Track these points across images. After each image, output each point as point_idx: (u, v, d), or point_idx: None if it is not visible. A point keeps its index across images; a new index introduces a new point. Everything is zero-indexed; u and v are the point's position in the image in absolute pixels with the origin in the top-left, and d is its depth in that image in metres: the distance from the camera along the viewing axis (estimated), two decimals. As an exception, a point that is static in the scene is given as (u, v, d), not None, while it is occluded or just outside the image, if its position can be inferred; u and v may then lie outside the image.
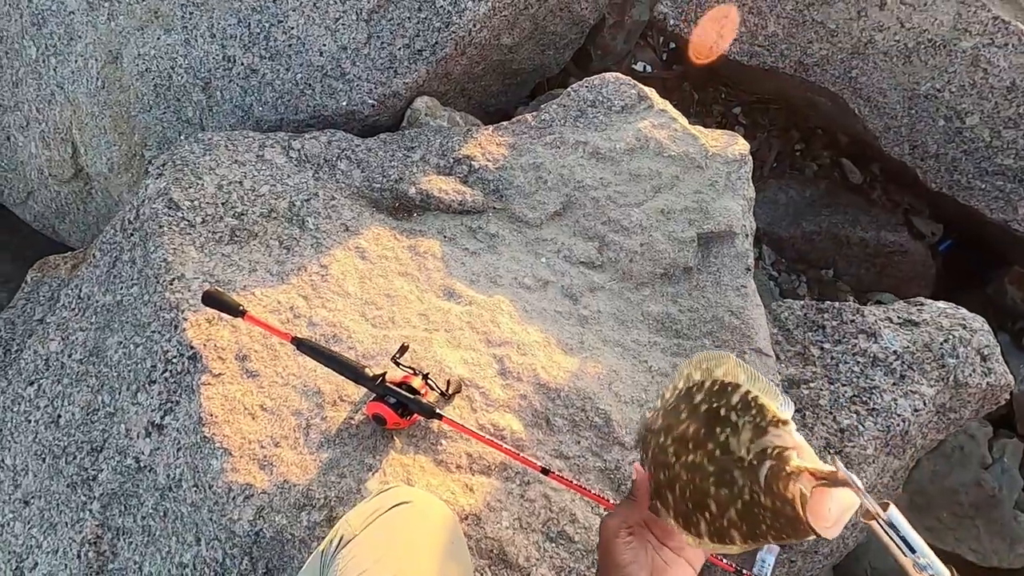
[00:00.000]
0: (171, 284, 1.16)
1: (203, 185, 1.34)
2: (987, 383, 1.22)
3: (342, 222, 1.39)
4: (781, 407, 0.54)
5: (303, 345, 1.01)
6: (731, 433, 0.54)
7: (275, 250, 1.31)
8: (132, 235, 1.31)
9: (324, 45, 1.65)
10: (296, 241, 1.33)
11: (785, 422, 0.52)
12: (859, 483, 0.45)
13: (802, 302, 1.38)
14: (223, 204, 1.33)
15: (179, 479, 1.02)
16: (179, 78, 1.72)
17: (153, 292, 1.17)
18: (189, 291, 1.15)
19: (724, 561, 0.90)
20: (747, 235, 1.34)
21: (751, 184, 1.42)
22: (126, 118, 1.79)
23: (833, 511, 0.46)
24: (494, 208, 1.45)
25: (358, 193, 1.48)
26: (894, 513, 0.46)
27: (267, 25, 1.67)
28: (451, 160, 1.52)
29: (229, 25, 1.68)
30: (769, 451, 0.51)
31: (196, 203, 1.31)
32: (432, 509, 0.80)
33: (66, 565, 1.10)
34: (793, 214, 2.22)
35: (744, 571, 0.88)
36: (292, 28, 1.67)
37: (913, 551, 0.46)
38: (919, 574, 0.46)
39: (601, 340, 1.23)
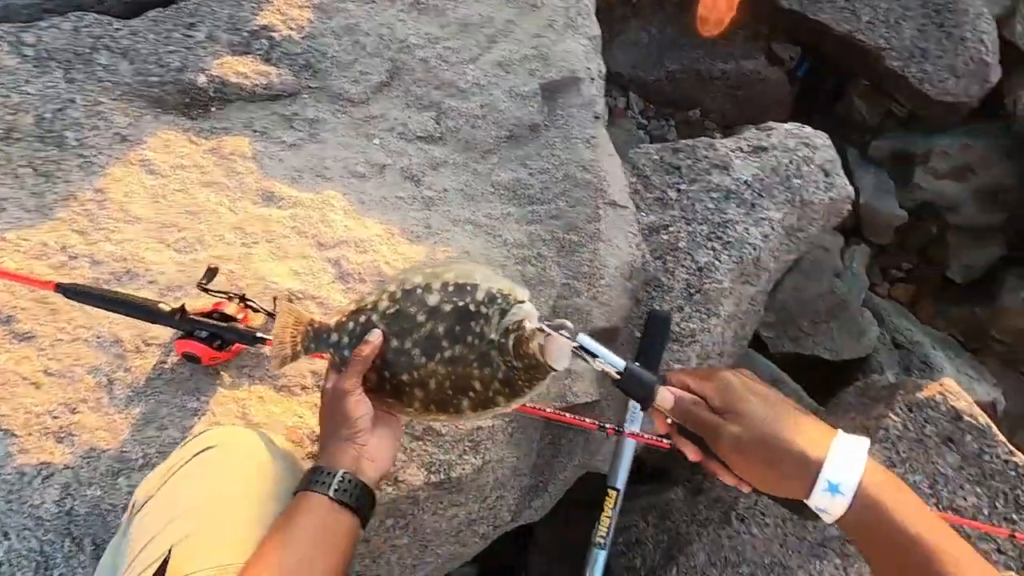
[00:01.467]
0: None
1: None
2: (829, 198, 1.25)
3: (116, 132, 1.12)
4: (518, 290, 0.69)
5: (71, 292, 0.82)
6: (484, 323, 0.68)
7: (28, 180, 1.04)
8: None
9: None
10: (57, 165, 1.06)
11: (521, 301, 0.68)
12: (569, 325, 0.65)
13: (658, 145, 1.32)
14: (-67, 130, 1.02)
15: (-35, 473, 0.85)
16: None
17: None
18: (-93, 251, 0.89)
19: (587, 421, 0.90)
20: (593, 79, 1.22)
21: (594, 19, 1.27)
22: None
23: (555, 351, 0.64)
24: (309, 88, 1.22)
25: (132, 92, 1.18)
26: (582, 338, 0.66)
27: None
28: (245, 34, 1.23)
29: None
30: (511, 327, 0.66)
31: None
32: (244, 447, 0.71)
33: None
34: (656, 53, 2.12)
35: (607, 427, 0.88)
36: None
37: (596, 356, 0.66)
38: (603, 368, 0.67)
39: (450, 221, 1.11)
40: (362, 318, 0.73)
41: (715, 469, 0.62)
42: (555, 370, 0.65)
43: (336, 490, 0.63)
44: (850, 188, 1.28)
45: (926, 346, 1.90)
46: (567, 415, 0.91)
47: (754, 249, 1.16)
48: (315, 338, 0.75)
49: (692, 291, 1.16)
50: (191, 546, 0.59)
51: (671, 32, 2.13)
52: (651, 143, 2.11)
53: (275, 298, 0.94)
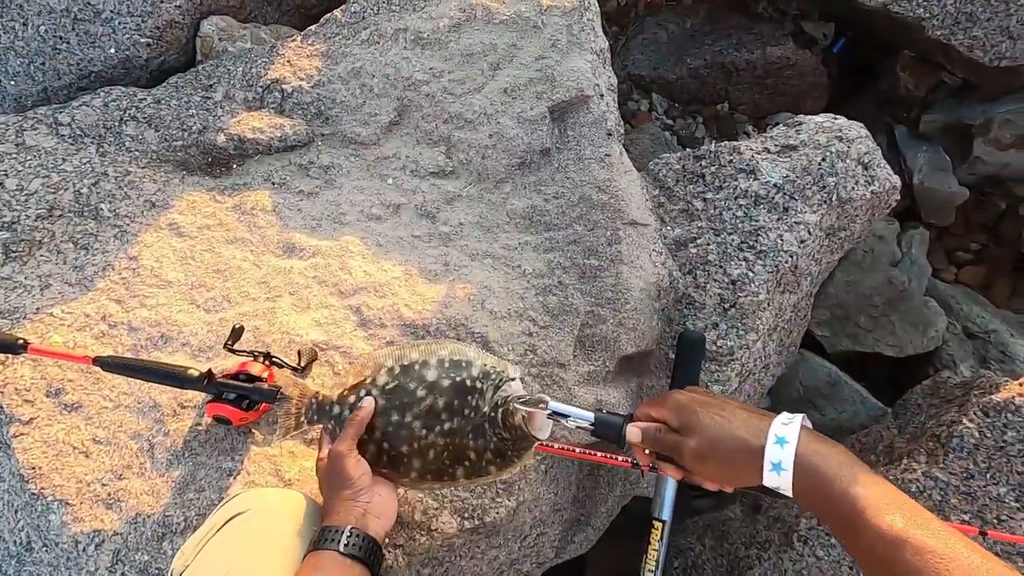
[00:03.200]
0: (-61, 333, 0.96)
1: (-50, 200, 1.09)
2: (871, 192, 1.16)
3: (145, 199, 1.17)
4: (510, 367, 0.75)
5: (108, 365, 0.86)
6: (479, 397, 0.73)
7: (69, 255, 1.10)
8: None
9: (58, -20, 1.31)
10: (94, 237, 1.12)
11: (513, 378, 0.74)
12: (546, 398, 0.70)
13: (679, 154, 1.26)
14: (-15, 217, 1.09)
15: (28, 542, 0.90)
16: None
17: (-78, 347, 0.97)
18: (-34, 334, 0.96)
19: (619, 459, 0.86)
20: (602, 94, 1.18)
21: (599, 32, 1.23)
22: None
23: (538, 423, 0.71)
24: (322, 135, 1.24)
25: (159, 158, 1.24)
26: (553, 404, 0.72)
27: (-27, -29, 1.31)
28: (259, 89, 1.27)
29: (-76, -17, 1.31)
30: (499, 402, 0.72)
31: (-53, 225, 1.07)
32: (274, 510, 0.72)
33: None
34: (677, 51, 2.04)
35: (641, 465, 0.84)
36: (8, -33, 1.30)
37: (567, 417, 0.73)
38: (577, 424, 0.74)
39: (467, 255, 1.10)
40: (362, 392, 0.76)
41: (696, 480, 0.69)
42: (539, 440, 0.72)
43: (346, 545, 0.66)
44: (895, 178, 1.18)
45: (1003, 333, 1.74)
46: (598, 454, 0.87)
47: (791, 256, 1.09)
48: (318, 411, 0.79)
49: (726, 306, 1.10)
50: None
51: (690, 26, 2.06)
52: (679, 143, 2.04)
53: (299, 351, 0.96)
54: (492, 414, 0.71)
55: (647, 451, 0.71)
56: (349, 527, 0.67)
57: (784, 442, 0.60)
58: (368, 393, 0.76)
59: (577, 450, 0.86)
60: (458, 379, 0.73)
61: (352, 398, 0.77)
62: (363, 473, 0.72)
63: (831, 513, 0.58)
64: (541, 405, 0.69)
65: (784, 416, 0.63)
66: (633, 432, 0.70)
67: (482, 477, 0.74)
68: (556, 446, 0.87)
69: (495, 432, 0.71)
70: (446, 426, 0.72)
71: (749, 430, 0.63)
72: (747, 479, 0.63)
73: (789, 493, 0.60)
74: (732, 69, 1.96)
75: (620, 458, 0.87)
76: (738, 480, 0.65)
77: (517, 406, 0.70)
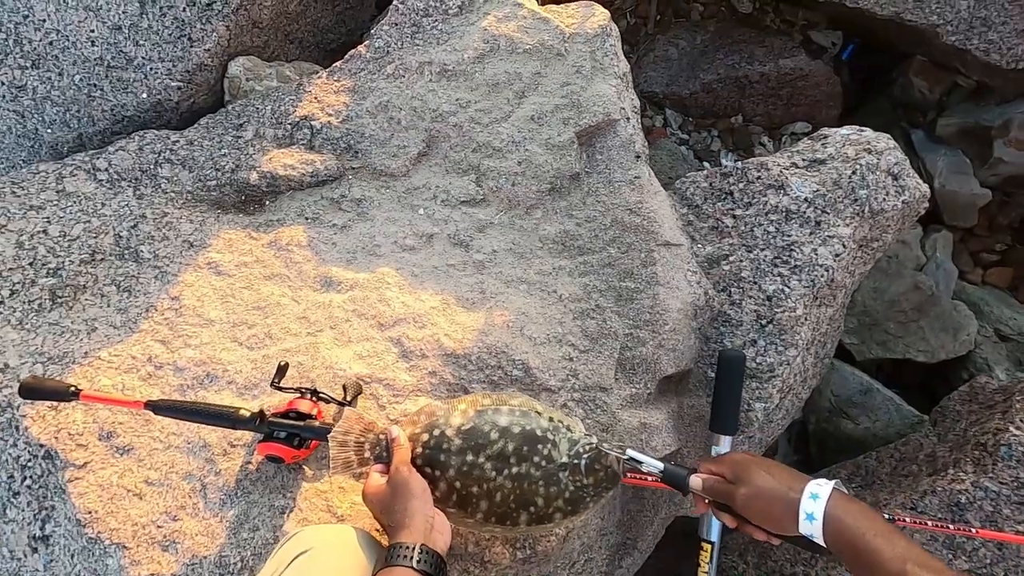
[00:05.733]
0: (-7, 381, 0.98)
1: (-3, 249, 1.12)
2: (902, 202, 1.16)
3: (183, 239, 1.20)
4: (578, 422, 0.85)
5: (159, 409, 0.87)
6: (552, 448, 0.80)
7: (113, 298, 1.12)
8: (-60, 332, 1.10)
9: (92, 31, 1.35)
10: (135, 279, 1.14)
11: (589, 434, 0.84)
12: (630, 450, 0.84)
13: (705, 172, 1.27)
14: (31, 264, 1.12)
15: (85, 586, 0.91)
16: (-65, 123, 1.41)
17: (-23, 396, 0.99)
18: (19, 381, 0.97)
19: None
20: (629, 117, 1.19)
21: (622, 56, 1.25)
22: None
23: (620, 465, 0.84)
24: (352, 169, 1.27)
25: (194, 198, 1.27)
26: (630, 451, 0.84)
27: (11, 26, 1.35)
28: (288, 127, 1.30)
29: (-36, 39, 1.35)
30: (586, 448, 0.81)
31: (-5, 274, 1.09)
32: (337, 545, 0.73)
33: None
34: (689, 67, 2.06)
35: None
36: (44, 21, 1.35)
37: (641, 463, 0.84)
38: (648, 471, 0.84)
39: (503, 282, 1.11)
40: (436, 431, 0.79)
41: (749, 530, 0.80)
42: (620, 481, 0.82)
43: (419, 561, 0.69)
44: (925, 187, 1.18)
45: (1037, 334, 1.72)
46: (648, 478, 0.87)
47: (826, 270, 1.09)
48: (387, 448, 0.78)
49: (763, 322, 1.10)
50: None
51: (700, 42, 2.08)
52: (695, 157, 2.05)
53: (344, 386, 0.96)
54: (574, 461, 0.78)
55: (706, 499, 0.84)
56: (419, 543, 0.70)
57: (816, 497, 0.73)
58: (443, 433, 0.79)
59: (649, 479, 0.87)
60: (528, 427, 0.79)
61: (425, 436, 0.80)
62: (426, 487, 0.77)
63: (858, 563, 0.69)
64: (619, 452, 0.81)
65: (821, 480, 0.76)
66: (696, 481, 0.83)
67: (544, 525, 0.79)
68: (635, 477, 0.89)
69: (575, 478, 0.78)
70: (514, 470, 0.77)
71: (790, 485, 0.75)
72: (786, 527, 0.75)
73: (822, 541, 0.72)
74: (745, 82, 1.98)
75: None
76: (779, 526, 0.76)
77: (607, 450, 0.79)
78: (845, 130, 1.21)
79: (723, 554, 1.43)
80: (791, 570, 1.31)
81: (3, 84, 1.37)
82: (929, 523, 0.91)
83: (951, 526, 0.89)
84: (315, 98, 1.32)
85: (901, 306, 1.77)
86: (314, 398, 0.92)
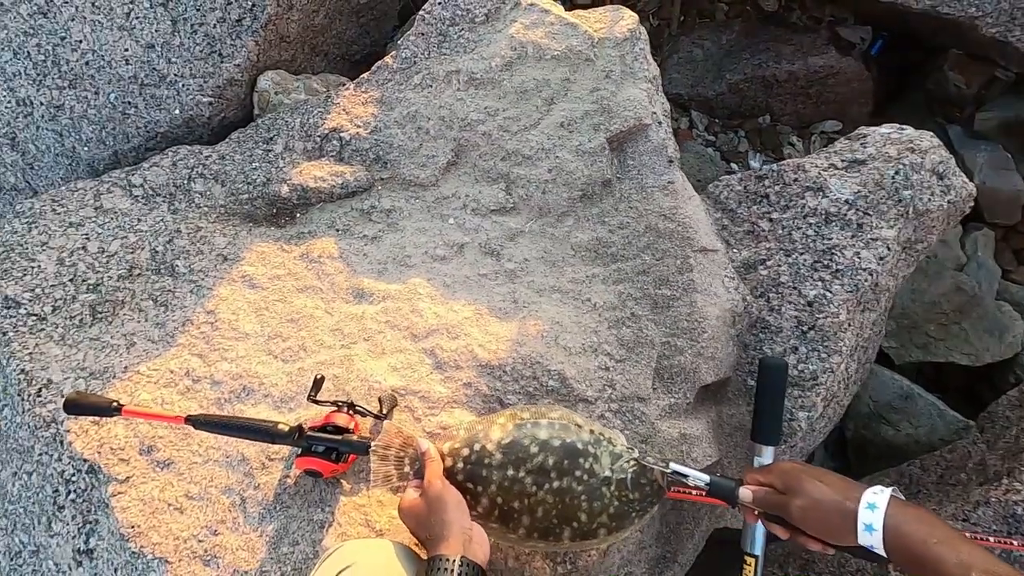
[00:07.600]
0: (38, 396, 1.00)
1: (40, 267, 1.14)
2: (948, 201, 1.12)
3: (217, 253, 1.21)
4: (620, 435, 0.83)
5: (200, 423, 0.87)
6: (594, 461, 0.78)
7: (150, 312, 1.13)
8: (-15, 348, 1.13)
9: (126, 50, 1.38)
10: (172, 293, 1.16)
11: (631, 447, 0.81)
12: (673, 463, 0.81)
13: (739, 175, 1.24)
14: (71, 280, 1.14)
15: (129, 600, 0.91)
16: (-22, 143, 1.45)
17: (23, 411, 1.01)
18: (62, 396, 0.99)
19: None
20: (661, 121, 1.17)
21: (651, 60, 1.23)
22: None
23: (664, 479, 0.82)
24: (381, 179, 1.27)
25: (227, 212, 1.28)
26: (674, 465, 0.81)
27: (49, 47, 1.39)
28: (317, 139, 1.31)
29: (5, 62, 1.39)
30: (628, 462, 0.79)
31: (38, 291, 1.12)
32: (378, 561, 0.73)
33: None
34: (714, 68, 2.03)
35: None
36: (80, 41, 1.38)
37: (686, 477, 0.81)
38: (695, 484, 0.82)
39: (535, 291, 1.10)
40: (476, 445, 0.77)
41: (803, 541, 0.77)
42: (665, 494, 0.81)
43: (460, 574, 0.68)
44: (971, 186, 1.14)
45: (1088, 335, 1.64)
46: (692, 492, 0.85)
47: (870, 274, 1.05)
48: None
49: (804, 328, 1.07)
50: None
51: (726, 42, 2.05)
52: (723, 159, 2.02)
53: (380, 398, 0.96)
54: (618, 476, 0.77)
55: (756, 512, 0.81)
56: (459, 556, 0.69)
57: (874, 507, 0.70)
58: (484, 448, 0.78)
59: (693, 492, 0.85)
60: (568, 441, 0.77)
61: (466, 451, 0.79)
62: (461, 500, 0.76)
63: (920, 573, 0.66)
64: (663, 465, 0.79)
65: (877, 487, 0.73)
66: (745, 493, 0.81)
67: (588, 541, 0.77)
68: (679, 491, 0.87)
69: (620, 493, 0.76)
70: (555, 484, 0.76)
71: (846, 494, 0.73)
72: (844, 538, 0.72)
73: (882, 552, 0.69)
74: (773, 81, 1.94)
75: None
76: (836, 537, 0.73)
77: (651, 464, 0.78)
78: (885, 129, 1.17)
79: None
80: (836, 583, 1.27)
81: (42, 104, 1.40)
82: (991, 540, 0.87)
83: (1014, 541, 0.84)
84: (343, 110, 1.33)
85: (942, 307, 1.71)
86: (351, 411, 0.91)
